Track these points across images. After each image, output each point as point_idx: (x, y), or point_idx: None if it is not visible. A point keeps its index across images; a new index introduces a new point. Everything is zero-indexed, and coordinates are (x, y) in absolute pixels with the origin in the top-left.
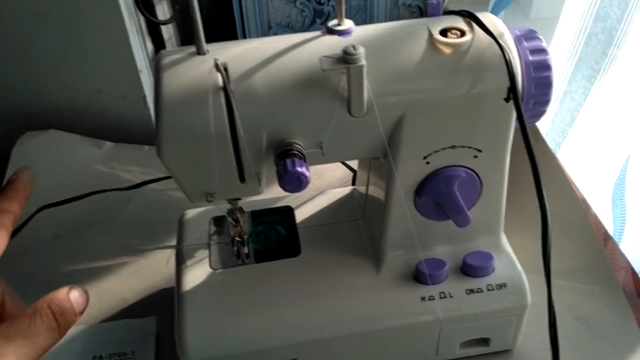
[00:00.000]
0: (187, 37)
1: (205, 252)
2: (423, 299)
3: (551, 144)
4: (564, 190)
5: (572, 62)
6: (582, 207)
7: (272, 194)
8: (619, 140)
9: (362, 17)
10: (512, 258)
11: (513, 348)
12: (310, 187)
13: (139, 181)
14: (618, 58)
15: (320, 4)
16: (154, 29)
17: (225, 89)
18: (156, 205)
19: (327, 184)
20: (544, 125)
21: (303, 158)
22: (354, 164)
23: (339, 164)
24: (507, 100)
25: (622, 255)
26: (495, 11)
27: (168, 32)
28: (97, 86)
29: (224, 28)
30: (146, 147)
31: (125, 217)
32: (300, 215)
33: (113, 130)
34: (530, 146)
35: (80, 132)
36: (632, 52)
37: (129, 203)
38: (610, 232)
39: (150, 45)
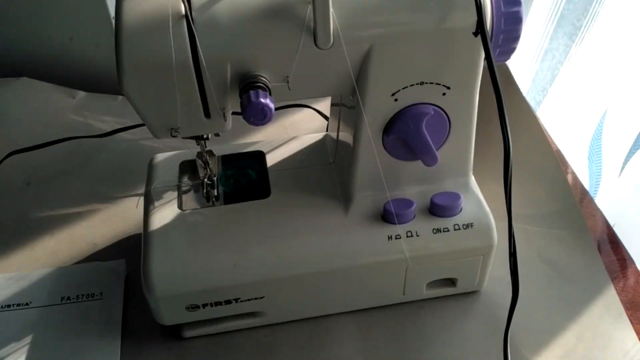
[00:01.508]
0: None
1: (174, 194)
2: (390, 237)
3: (532, 103)
4: (538, 140)
5: (553, 20)
6: (555, 157)
7: (245, 139)
8: (597, 96)
9: None
10: (480, 199)
11: (480, 289)
12: (285, 137)
13: (111, 129)
14: (599, 15)
15: None
16: None
17: (187, 17)
18: (128, 154)
19: (303, 133)
20: (525, 84)
21: (268, 90)
22: (327, 112)
23: (314, 115)
24: (475, 34)
25: (594, 204)
26: None
27: None
28: (70, 34)
29: None
30: (120, 97)
31: (98, 165)
32: (272, 159)
33: (86, 79)
34: (496, 80)
35: (52, 80)
36: (613, 8)
37: (101, 151)
38: (587, 186)
39: None
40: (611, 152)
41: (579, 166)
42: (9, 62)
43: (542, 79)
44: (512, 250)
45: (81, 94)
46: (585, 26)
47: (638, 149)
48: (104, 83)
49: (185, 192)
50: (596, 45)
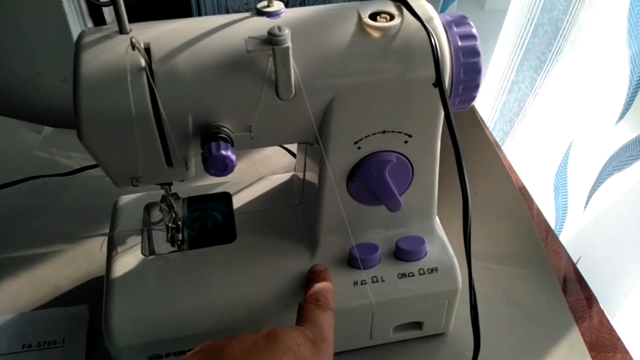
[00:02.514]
0: (130, 19)
1: (138, 239)
2: (356, 283)
3: (499, 134)
4: (502, 178)
5: (519, 53)
6: (519, 195)
7: (212, 180)
8: (562, 129)
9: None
10: (444, 242)
11: (447, 331)
12: (254, 174)
13: (79, 167)
14: (564, 49)
15: None
16: (95, 11)
17: (146, 69)
18: (95, 192)
19: (272, 171)
20: (492, 115)
21: (230, 142)
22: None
23: (284, 151)
24: (435, 85)
25: (559, 241)
26: (448, 1)
27: (111, 14)
28: (36, 69)
29: (180, 16)
30: None
31: (63, 204)
32: (238, 201)
33: (53, 115)
34: (452, 129)
35: (18, 116)
36: (577, 43)
37: (67, 189)
38: (553, 220)
39: (84, 29)
40: (577, 185)
41: (545, 199)
42: None
43: (509, 110)
44: (472, 303)
45: (47, 129)
46: (549, 60)
47: (603, 182)
48: (71, 118)
49: (150, 236)
50: (561, 78)
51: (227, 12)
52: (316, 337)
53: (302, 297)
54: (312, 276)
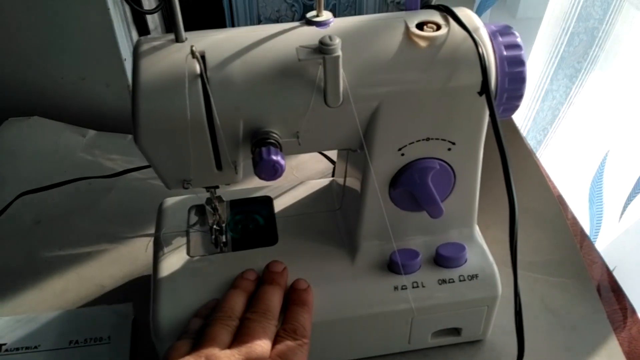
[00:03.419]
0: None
1: (183, 240)
2: (396, 288)
3: (532, 142)
4: (540, 186)
5: (554, 62)
6: (557, 203)
7: (253, 184)
8: (597, 138)
9: (352, 14)
10: (484, 249)
11: (484, 338)
12: (292, 178)
13: (121, 169)
14: (600, 58)
15: None
16: (139, 18)
17: (202, 76)
18: (138, 194)
19: (308, 176)
20: (526, 124)
21: (279, 147)
22: (334, 155)
23: (320, 157)
24: (480, 94)
25: (595, 250)
26: (481, 10)
27: (154, 22)
28: (82, 74)
29: (214, 23)
30: (129, 135)
31: (107, 205)
32: (279, 205)
33: (96, 119)
34: (500, 139)
35: (63, 119)
36: (613, 52)
37: (110, 191)
38: (587, 229)
39: (135, 35)
40: (612, 195)
41: (580, 209)
42: (21, 102)
43: (543, 118)
44: (517, 309)
45: (91, 132)
46: (585, 69)
47: (639, 192)
48: (114, 122)
49: (195, 238)
50: (596, 88)
51: (259, 20)
52: None
53: (345, 300)
54: (292, 295)
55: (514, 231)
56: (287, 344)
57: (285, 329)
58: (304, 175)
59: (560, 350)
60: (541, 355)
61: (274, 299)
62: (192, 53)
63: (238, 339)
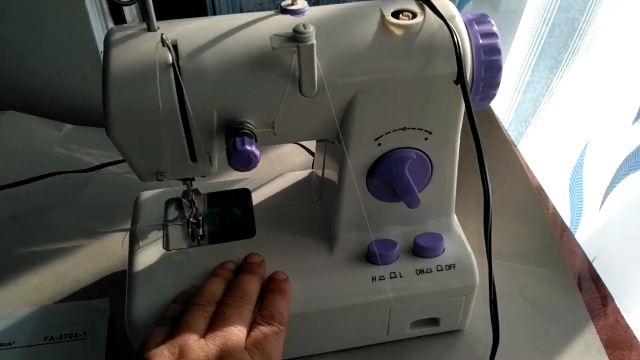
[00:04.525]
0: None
1: (160, 234)
2: (374, 279)
3: (514, 134)
4: (519, 177)
5: (535, 53)
6: (535, 194)
7: (231, 177)
8: (578, 129)
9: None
10: (462, 239)
11: (463, 328)
12: (271, 171)
13: (98, 164)
14: (580, 49)
15: None
16: (116, 10)
17: (174, 65)
18: (115, 188)
19: (288, 168)
20: (507, 115)
21: (254, 137)
22: (314, 147)
23: (300, 149)
24: (456, 82)
25: (575, 240)
26: (464, 1)
27: (131, 13)
28: (57, 67)
29: (195, 14)
30: None
31: (83, 200)
32: (258, 197)
33: (73, 112)
34: (475, 127)
35: (39, 113)
36: (593, 43)
37: (87, 185)
38: (568, 220)
39: (112, 26)
40: (592, 185)
41: (560, 199)
42: None
43: (524, 110)
44: (492, 298)
45: (68, 126)
46: (566, 60)
47: (618, 182)
48: (91, 116)
49: (171, 231)
50: (577, 78)
51: (242, 11)
52: None
53: (323, 292)
54: (270, 284)
55: (488, 220)
56: (262, 330)
57: (262, 315)
58: (283, 168)
59: (538, 338)
60: (519, 344)
61: (252, 286)
62: (163, 41)
63: (214, 325)
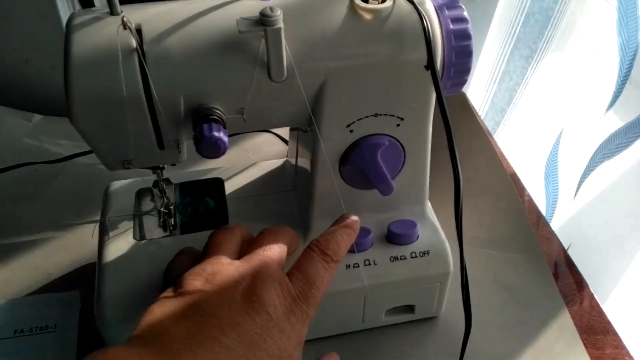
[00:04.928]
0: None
1: (130, 224)
2: (348, 266)
3: (490, 123)
4: (493, 164)
5: (510, 42)
6: (510, 181)
7: (204, 165)
8: (553, 118)
9: None
10: (436, 226)
11: (438, 315)
12: (247, 160)
13: (69, 154)
14: (555, 38)
15: None
16: None
17: (137, 50)
18: (85, 179)
19: (264, 158)
20: (484, 105)
21: (222, 123)
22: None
23: (276, 139)
24: (427, 68)
25: (549, 226)
26: None
27: (102, 0)
28: (25, 56)
29: None
30: None
31: (54, 191)
32: (231, 186)
33: (42, 102)
34: (445, 112)
35: (7, 104)
36: (567, 31)
37: (57, 177)
38: (543, 208)
39: (74, 11)
40: (567, 173)
41: (537, 187)
42: None
43: (501, 99)
44: (464, 283)
45: (37, 117)
46: (541, 49)
47: (592, 170)
48: (60, 106)
49: (142, 221)
50: (552, 67)
51: None
52: (300, 295)
53: None
54: (340, 220)
55: (459, 205)
56: (312, 256)
57: (317, 241)
58: (259, 157)
59: (512, 324)
60: (494, 330)
61: (291, 236)
62: (124, 24)
63: (251, 246)
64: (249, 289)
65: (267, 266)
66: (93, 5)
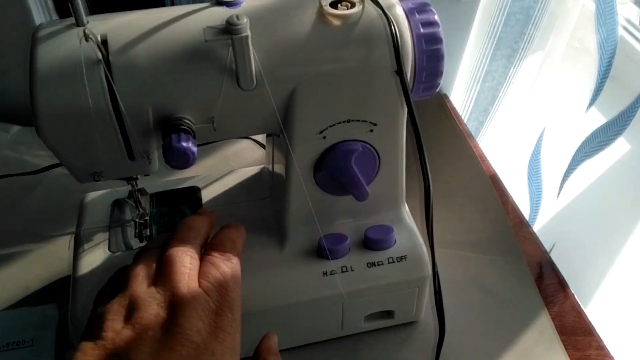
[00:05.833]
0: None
1: (105, 236)
2: (325, 274)
3: (474, 123)
4: (472, 167)
5: (492, 42)
6: (489, 182)
7: (181, 174)
8: (535, 117)
9: None
10: (413, 230)
11: (418, 320)
12: (227, 168)
13: (47, 165)
14: (536, 37)
15: None
16: (62, 6)
17: (102, 61)
18: (64, 190)
19: (244, 165)
20: (467, 106)
21: (192, 133)
22: None
23: (256, 146)
24: (396, 73)
25: (529, 227)
26: None
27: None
28: (2, 67)
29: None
30: None
31: (32, 203)
32: (208, 195)
33: (20, 114)
34: (413, 116)
35: None
36: (548, 30)
37: (35, 188)
38: (527, 208)
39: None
40: (550, 172)
41: (520, 187)
42: None
43: (484, 99)
44: (436, 289)
45: (15, 128)
46: (522, 48)
47: (574, 169)
48: None
49: (117, 233)
50: (533, 67)
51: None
52: (220, 304)
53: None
54: (223, 227)
55: (429, 208)
56: (212, 261)
57: (210, 245)
58: (239, 164)
59: (492, 326)
60: (473, 332)
61: (198, 220)
62: (86, 36)
63: (160, 267)
64: (169, 319)
65: (183, 287)
66: (70, 14)
